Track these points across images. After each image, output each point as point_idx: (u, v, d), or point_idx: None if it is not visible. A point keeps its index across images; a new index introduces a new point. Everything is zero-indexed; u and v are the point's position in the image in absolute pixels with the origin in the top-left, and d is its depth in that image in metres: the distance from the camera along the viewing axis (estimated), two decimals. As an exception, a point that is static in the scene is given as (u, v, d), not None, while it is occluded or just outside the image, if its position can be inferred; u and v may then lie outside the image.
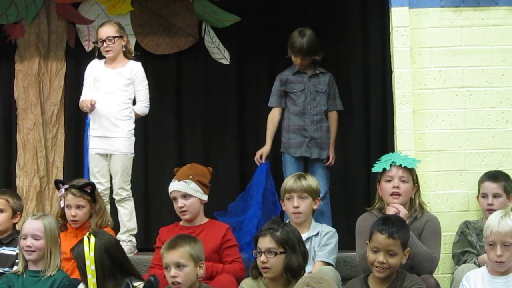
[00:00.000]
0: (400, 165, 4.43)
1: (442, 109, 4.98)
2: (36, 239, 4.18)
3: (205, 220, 4.63)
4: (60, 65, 6.42)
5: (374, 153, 5.46)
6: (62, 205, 4.76)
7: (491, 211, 4.49)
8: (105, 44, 5.33)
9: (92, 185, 4.80)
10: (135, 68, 5.38)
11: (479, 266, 4.29)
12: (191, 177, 4.58)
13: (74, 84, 6.22)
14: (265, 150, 5.41)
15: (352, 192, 6.07)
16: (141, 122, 5.73)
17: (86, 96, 5.38)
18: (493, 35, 5.02)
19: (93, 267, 3.83)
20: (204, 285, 3.98)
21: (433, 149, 4.95)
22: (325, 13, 6.19)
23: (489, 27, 5.02)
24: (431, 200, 4.82)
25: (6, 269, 4.54)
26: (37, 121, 6.34)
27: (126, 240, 5.24)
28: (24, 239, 4.20)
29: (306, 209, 4.49)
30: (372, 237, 3.96)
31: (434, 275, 4.28)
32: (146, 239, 5.95)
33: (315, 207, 4.55)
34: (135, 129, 5.37)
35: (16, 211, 4.86)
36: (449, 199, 4.93)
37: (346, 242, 4.78)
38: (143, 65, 5.49)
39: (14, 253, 4.59)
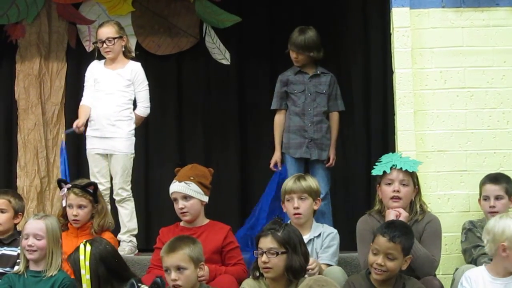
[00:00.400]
0: (401, 168, 4.37)
1: (443, 109, 4.98)
2: (38, 239, 4.18)
3: (206, 221, 4.61)
4: (61, 66, 6.41)
5: (375, 154, 5.44)
6: (64, 204, 4.77)
7: (493, 213, 4.50)
8: (105, 45, 5.32)
9: (95, 185, 4.81)
10: (135, 69, 5.37)
11: None
12: (192, 178, 4.55)
13: (75, 84, 6.22)
14: (277, 156, 5.42)
15: (353, 192, 6.06)
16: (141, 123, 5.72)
17: (87, 98, 5.39)
18: (494, 36, 5.02)
19: (88, 276, 3.83)
20: (204, 285, 3.99)
21: (433, 150, 4.96)
22: (326, 14, 6.19)
23: (490, 27, 5.03)
24: (432, 201, 4.82)
25: (7, 269, 4.54)
26: (38, 121, 6.34)
27: (127, 240, 5.24)
28: (26, 238, 4.19)
29: (307, 210, 4.47)
30: (374, 239, 3.95)
31: (435, 276, 4.28)
32: (146, 240, 5.95)
33: (315, 207, 4.53)
34: (135, 129, 5.37)
35: (18, 212, 4.85)
36: (449, 199, 4.93)
37: (347, 242, 4.77)
38: (143, 65, 5.48)
39: (15, 253, 4.59)
